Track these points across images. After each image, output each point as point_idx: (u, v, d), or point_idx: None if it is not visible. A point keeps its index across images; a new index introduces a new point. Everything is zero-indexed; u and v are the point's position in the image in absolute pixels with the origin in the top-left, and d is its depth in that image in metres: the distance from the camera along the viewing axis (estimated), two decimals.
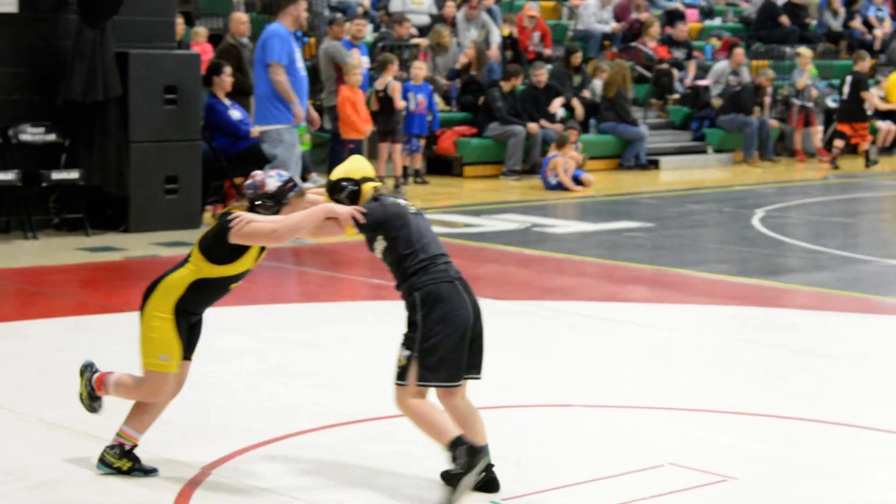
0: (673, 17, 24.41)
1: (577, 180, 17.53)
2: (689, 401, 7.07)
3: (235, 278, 5.66)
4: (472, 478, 5.30)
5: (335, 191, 5.59)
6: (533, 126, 18.63)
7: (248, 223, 5.44)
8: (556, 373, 7.71)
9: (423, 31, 20.21)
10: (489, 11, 21.34)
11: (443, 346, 5.36)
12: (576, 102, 19.67)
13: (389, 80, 16.47)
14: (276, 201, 5.55)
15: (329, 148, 16.74)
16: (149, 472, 5.66)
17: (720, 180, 19.24)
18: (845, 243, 13.08)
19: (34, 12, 12.74)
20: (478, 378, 5.60)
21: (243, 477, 5.69)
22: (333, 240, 12.36)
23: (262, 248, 5.68)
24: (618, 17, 23.61)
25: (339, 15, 17.79)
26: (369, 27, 19.39)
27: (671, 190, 17.83)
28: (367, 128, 15.94)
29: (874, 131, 21.88)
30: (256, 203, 5.56)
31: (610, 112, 20.04)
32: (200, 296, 5.61)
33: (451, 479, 5.35)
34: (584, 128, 19.88)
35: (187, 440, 6.14)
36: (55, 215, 12.88)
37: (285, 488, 5.56)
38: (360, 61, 16.41)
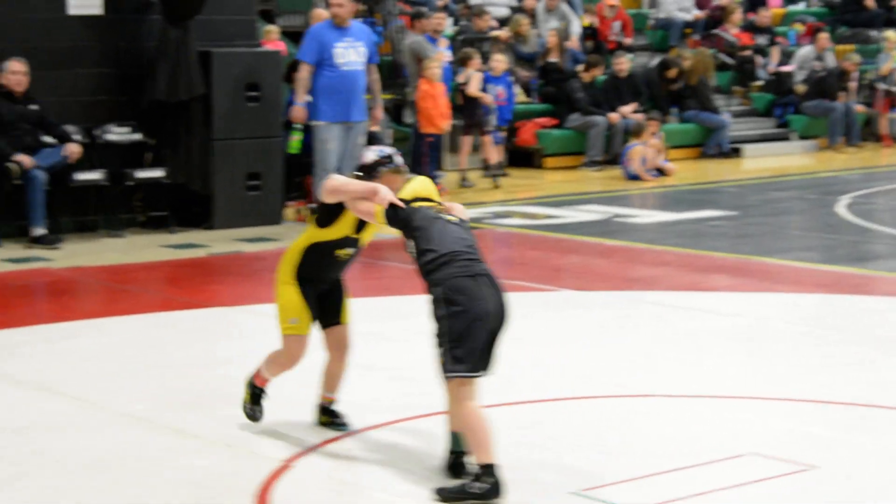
0: (755, 2, 24.14)
1: (659, 169, 17.41)
2: (774, 390, 7.00)
3: (339, 244, 6.03)
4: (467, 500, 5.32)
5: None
6: (614, 116, 18.53)
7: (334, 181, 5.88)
8: (640, 363, 7.67)
9: (503, 22, 20.19)
10: (569, 2, 21.27)
11: (469, 336, 5.39)
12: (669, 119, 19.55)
13: (470, 73, 16.48)
14: (366, 172, 5.90)
15: (411, 142, 16.77)
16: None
17: (804, 167, 19.01)
18: None
19: (118, 14, 12.91)
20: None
21: (324, 469, 5.73)
22: None
23: (364, 222, 6.00)
24: (699, 4, 23.39)
25: (424, 9, 17.82)
26: (449, 20, 19.40)
27: (754, 178, 17.65)
28: (446, 123, 15.93)
29: None
30: (356, 174, 5.94)
31: (692, 100, 19.87)
32: (312, 261, 6.06)
33: (463, 493, 5.34)
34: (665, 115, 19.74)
35: (268, 433, 6.20)
36: (140, 213, 13.06)
37: (365, 480, 5.60)
38: (442, 55, 16.45)
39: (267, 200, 13.13)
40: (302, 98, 12.51)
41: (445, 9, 19.94)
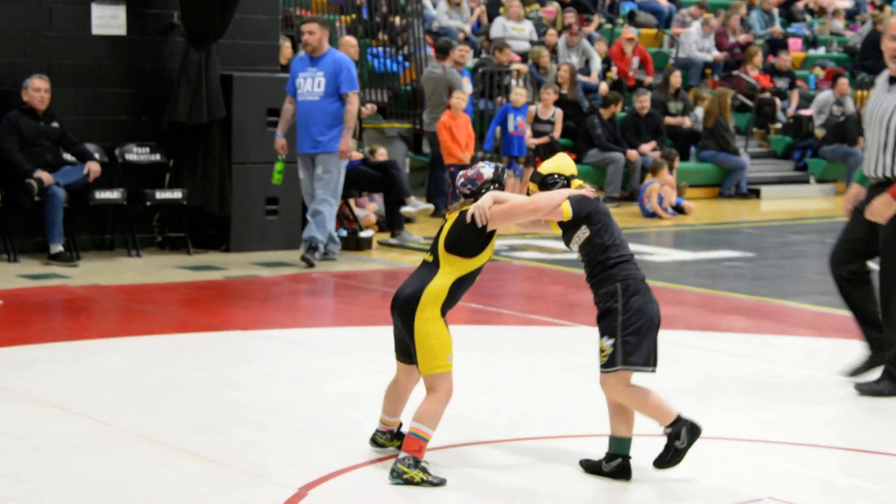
0: (776, 46, 24.18)
1: (678, 208, 17.42)
2: (790, 434, 6.96)
3: (479, 270, 6.03)
4: (686, 453, 5.94)
5: (545, 184, 5.99)
6: (632, 153, 18.55)
7: (501, 205, 5.86)
8: None
9: (524, 57, 20.24)
10: (589, 38, 21.33)
11: (642, 333, 5.81)
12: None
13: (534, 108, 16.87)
14: (499, 184, 6.00)
15: (428, 173, 16.80)
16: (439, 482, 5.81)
17: (822, 211, 18.98)
18: None
19: (142, 35, 12.98)
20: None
21: (337, 498, 5.69)
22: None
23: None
24: (719, 45, 23.44)
25: (451, 41, 17.92)
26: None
27: (772, 220, 17.62)
28: (466, 154, 15.96)
29: None
30: (483, 192, 5.97)
31: (710, 140, 19.89)
32: (458, 293, 5.98)
33: (672, 454, 5.92)
34: (685, 155, 19.77)
35: (283, 461, 6.16)
36: (158, 234, 13.08)
37: None
38: (470, 89, 16.64)
39: (285, 225, 13.15)
40: (280, 129, 12.38)
41: (467, 41, 20.01)
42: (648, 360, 5.86)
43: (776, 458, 6.53)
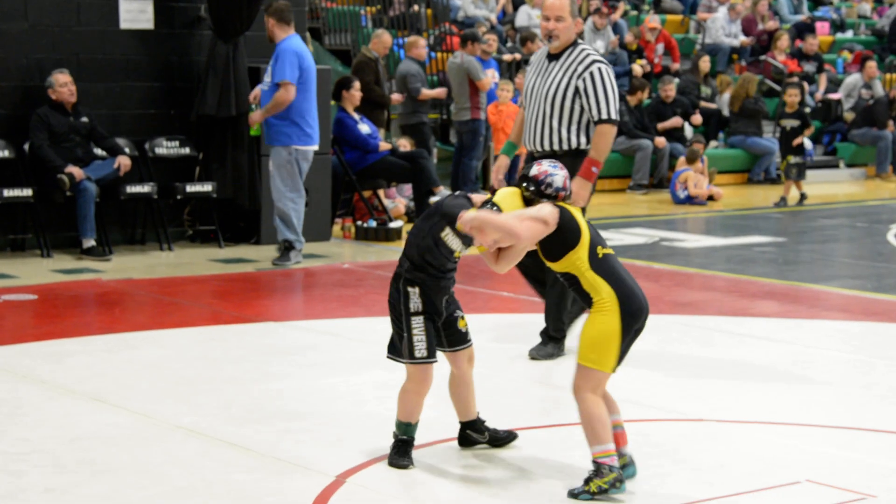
0: (803, 30, 24.07)
1: (705, 194, 17.37)
2: (825, 417, 6.95)
3: None
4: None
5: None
6: (660, 140, 18.50)
7: None
8: (688, 387, 7.62)
9: None
10: (615, 25, 21.29)
11: None
12: (696, 118, 19.49)
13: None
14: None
15: (453, 162, 16.79)
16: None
17: (853, 195, 18.90)
18: None
19: (169, 28, 13.02)
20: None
21: (375, 486, 5.72)
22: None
23: None
24: (746, 30, 23.34)
25: (478, 31, 17.88)
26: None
27: (802, 205, 17.54)
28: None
29: None
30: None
31: (738, 124, 19.84)
32: None
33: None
34: (713, 139, 19.73)
35: (320, 449, 6.19)
36: (189, 227, 13.13)
37: (416, 499, 5.57)
38: (495, 75, 16.62)
39: (315, 217, 13.15)
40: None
41: (493, 29, 19.99)
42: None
43: (812, 441, 6.52)
